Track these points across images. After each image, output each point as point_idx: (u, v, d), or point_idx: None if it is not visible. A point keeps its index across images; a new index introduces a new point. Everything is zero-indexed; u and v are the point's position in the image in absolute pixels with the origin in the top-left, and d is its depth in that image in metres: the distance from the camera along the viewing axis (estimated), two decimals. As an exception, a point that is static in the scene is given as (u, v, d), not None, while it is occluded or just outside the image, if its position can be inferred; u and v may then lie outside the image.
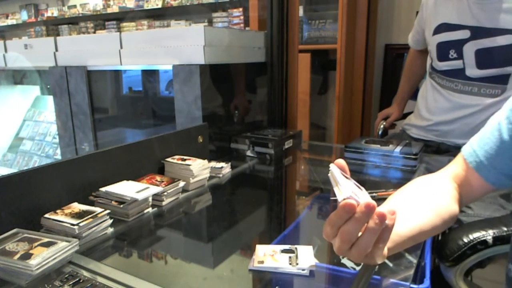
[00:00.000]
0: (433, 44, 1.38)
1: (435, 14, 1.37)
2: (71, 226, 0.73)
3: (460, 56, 1.29)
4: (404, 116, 1.73)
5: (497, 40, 1.21)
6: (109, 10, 4.08)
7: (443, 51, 1.34)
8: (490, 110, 1.26)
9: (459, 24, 1.28)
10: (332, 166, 0.54)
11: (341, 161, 0.54)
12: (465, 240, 0.79)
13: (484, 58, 1.25)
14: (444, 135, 1.40)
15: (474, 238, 0.79)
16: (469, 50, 1.27)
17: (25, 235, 0.71)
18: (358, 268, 0.66)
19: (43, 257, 0.64)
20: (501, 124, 0.64)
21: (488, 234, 0.79)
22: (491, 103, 1.26)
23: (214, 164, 1.17)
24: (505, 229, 0.80)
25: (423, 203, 0.64)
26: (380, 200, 0.97)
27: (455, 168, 0.71)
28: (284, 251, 0.69)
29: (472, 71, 1.28)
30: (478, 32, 1.24)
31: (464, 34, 1.27)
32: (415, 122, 1.52)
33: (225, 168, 1.18)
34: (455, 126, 1.35)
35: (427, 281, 0.65)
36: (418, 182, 0.70)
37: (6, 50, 1.91)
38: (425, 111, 1.46)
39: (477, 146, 0.67)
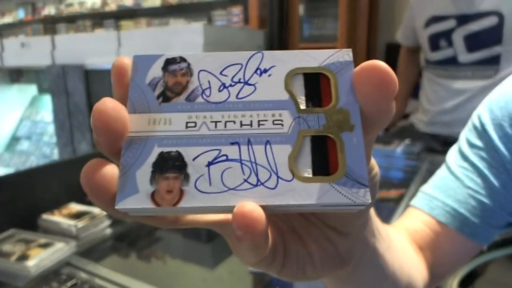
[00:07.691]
0: (424, 37, 1.43)
1: (423, 8, 1.43)
2: (69, 227, 0.72)
3: (450, 44, 1.35)
4: (405, 116, 1.74)
5: (481, 23, 1.26)
6: (107, 8, 4.06)
7: (434, 42, 1.39)
8: (485, 93, 1.27)
9: (445, 15, 1.34)
10: None
11: None
12: None
13: (472, 41, 1.30)
14: (448, 125, 1.41)
15: None
16: (458, 37, 1.32)
17: (22, 236, 0.70)
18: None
19: (40, 258, 0.63)
20: (482, 168, 0.48)
21: None
22: (485, 85, 1.30)
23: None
24: None
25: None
26: (380, 201, 0.96)
27: (414, 228, 0.49)
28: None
29: (464, 56, 1.32)
30: (462, 19, 1.30)
31: (450, 23, 1.33)
32: (420, 117, 1.55)
33: (225, 168, 1.17)
34: (457, 115, 1.37)
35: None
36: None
37: (2, 49, 1.89)
38: (426, 103, 1.50)
39: (454, 203, 0.48)
